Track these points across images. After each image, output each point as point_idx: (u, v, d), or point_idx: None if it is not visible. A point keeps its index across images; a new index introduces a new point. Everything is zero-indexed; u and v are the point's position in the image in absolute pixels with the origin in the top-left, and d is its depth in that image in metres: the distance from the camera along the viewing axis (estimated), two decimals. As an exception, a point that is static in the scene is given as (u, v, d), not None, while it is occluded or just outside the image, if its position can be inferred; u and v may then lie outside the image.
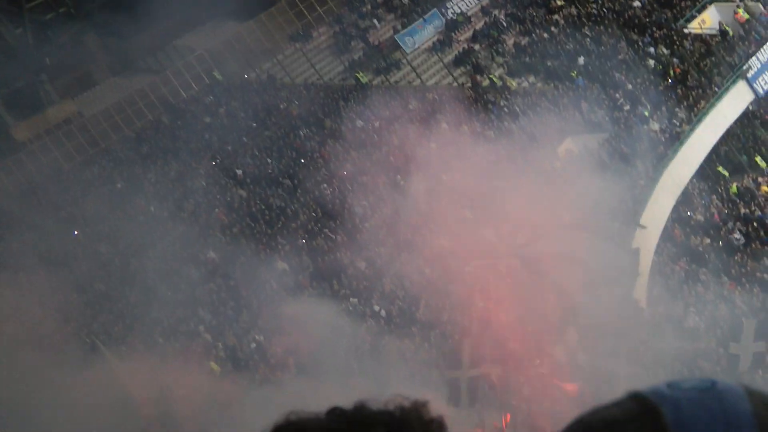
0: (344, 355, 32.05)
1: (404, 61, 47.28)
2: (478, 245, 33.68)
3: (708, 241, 35.39)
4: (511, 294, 32.94)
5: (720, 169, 38.98)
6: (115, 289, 37.31)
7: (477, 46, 47.06)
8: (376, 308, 34.23)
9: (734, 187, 37.87)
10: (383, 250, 35.94)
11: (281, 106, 46.48)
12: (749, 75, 39.88)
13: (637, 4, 45.95)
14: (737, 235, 35.27)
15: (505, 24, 47.74)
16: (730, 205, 37.12)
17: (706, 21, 44.10)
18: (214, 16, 51.81)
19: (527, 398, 29.27)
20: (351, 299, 34.55)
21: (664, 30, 44.15)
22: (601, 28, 44.74)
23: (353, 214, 37.47)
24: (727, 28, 43.50)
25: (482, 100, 43.11)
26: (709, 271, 33.89)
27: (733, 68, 40.90)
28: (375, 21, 50.74)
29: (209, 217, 39.94)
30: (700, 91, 41.03)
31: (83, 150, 46.42)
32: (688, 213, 36.90)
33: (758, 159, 39.36)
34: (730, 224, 35.95)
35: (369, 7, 51.44)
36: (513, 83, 44.27)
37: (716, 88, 40.46)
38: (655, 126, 39.74)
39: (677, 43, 43.34)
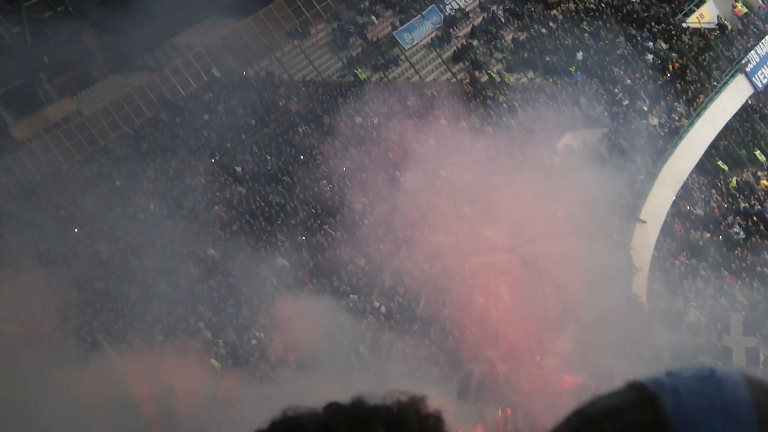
0: (344, 351, 32.07)
1: (403, 57, 47.27)
2: (477, 241, 33.71)
3: (708, 235, 35.41)
4: (511, 290, 32.97)
5: (719, 163, 39.00)
6: (115, 287, 37.32)
7: (475, 42, 47.05)
8: (376, 304, 34.25)
9: (734, 181, 37.89)
10: (383, 247, 35.95)
11: (280, 103, 46.47)
12: (748, 69, 39.87)
13: (635, -2, 45.99)
14: (737, 230, 35.28)
15: (503, 19, 47.73)
16: (729, 199, 37.13)
17: (705, 15, 44.09)
18: (212, 13, 51.82)
19: (528, 394, 29.29)
20: (351, 296, 34.57)
21: (663, 24, 44.13)
22: (600, 23, 44.72)
23: (352, 211, 37.47)
24: (725, 22, 43.50)
25: (481, 96, 43.09)
26: (709, 266, 33.90)
27: (731, 62, 40.90)
28: (373, 17, 50.72)
29: (209, 215, 39.95)
30: (699, 85, 41.03)
31: (82, 148, 46.41)
32: (688, 207, 36.92)
33: (757, 153, 39.38)
34: (730, 218, 35.96)
35: (367, 3, 51.41)
36: (511, 79, 44.26)
37: (715, 83, 40.47)
38: (654, 121, 39.74)
39: (676, 37, 43.32)
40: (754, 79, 39.95)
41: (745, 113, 40.41)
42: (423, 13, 48.62)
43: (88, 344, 34.57)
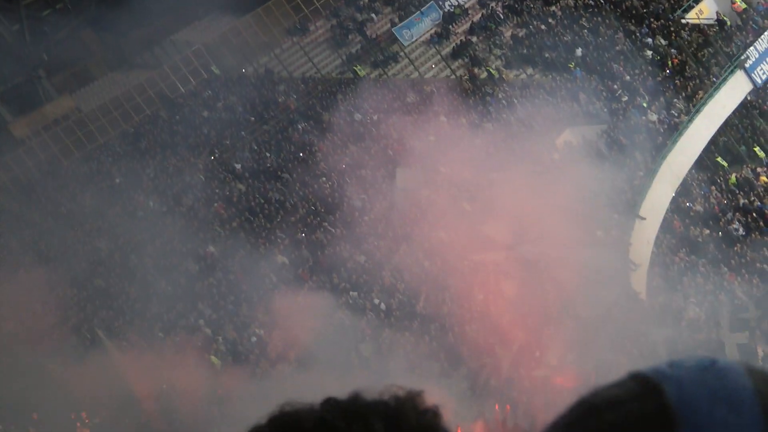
0: (344, 348, 32.08)
1: (402, 54, 47.25)
2: (477, 238, 33.73)
3: (707, 232, 35.40)
4: (511, 287, 32.98)
5: (719, 159, 38.99)
6: (115, 285, 37.32)
7: (474, 39, 47.04)
8: (376, 301, 34.25)
9: (733, 177, 37.89)
10: (383, 244, 35.96)
11: (279, 100, 46.46)
12: (747, 65, 39.86)
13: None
14: (736, 226, 35.28)
15: (502, 16, 47.71)
16: (729, 195, 37.13)
17: (704, 11, 44.08)
18: (211, 10, 51.81)
19: (528, 390, 29.32)
20: (351, 292, 34.57)
21: (662, 21, 44.12)
22: (599, 19, 44.71)
23: (352, 208, 37.46)
24: (724, 17, 43.48)
25: (480, 93, 43.08)
26: (708, 262, 33.90)
27: (731, 58, 40.89)
28: (372, 14, 50.70)
29: (208, 212, 39.95)
30: (698, 81, 41.03)
31: (81, 146, 46.39)
32: (687, 204, 36.91)
33: (757, 149, 39.37)
34: (729, 215, 35.96)
35: (366, 0, 51.39)
36: (510, 75, 44.25)
37: (714, 79, 40.46)
38: (654, 117, 39.73)
39: (675, 33, 43.31)
40: (753, 75, 39.95)
41: (744, 109, 40.41)
42: (422, 9, 48.61)
43: (88, 342, 34.59)
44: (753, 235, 34.83)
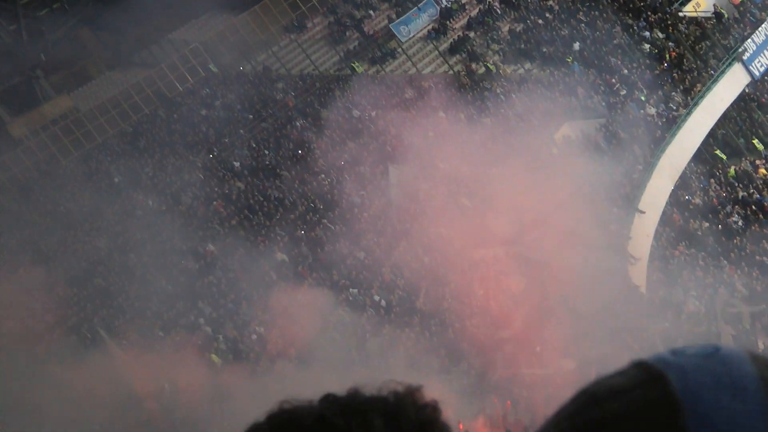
0: (344, 345, 32.10)
1: (399, 50, 47.22)
2: (476, 233, 33.73)
3: (706, 225, 35.41)
4: (510, 282, 32.99)
5: (717, 152, 38.99)
6: (115, 284, 37.30)
7: (472, 34, 47.01)
8: (376, 298, 34.25)
9: (732, 170, 37.89)
10: (382, 240, 35.97)
11: (277, 98, 46.43)
12: (745, 57, 39.86)
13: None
14: (735, 219, 35.28)
15: (499, 11, 47.67)
16: (728, 188, 37.13)
17: (701, 4, 44.06)
18: (208, 8, 51.76)
19: (528, 385, 29.33)
20: (351, 289, 34.58)
21: (659, 14, 44.11)
22: (596, 13, 44.69)
23: (351, 204, 37.46)
24: (721, 10, 43.47)
25: (478, 88, 43.06)
26: (708, 255, 33.90)
27: (728, 51, 40.89)
28: (369, 10, 50.66)
29: (207, 210, 39.93)
30: (696, 74, 41.03)
31: (80, 145, 46.35)
32: (687, 197, 36.91)
33: (755, 142, 39.38)
34: (729, 208, 35.96)
35: (363, -4, 51.40)
36: (508, 70, 44.23)
37: (712, 72, 40.46)
38: (652, 110, 39.72)
39: (672, 26, 43.30)
40: (751, 67, 39.94)
41: (742, 102, 40.41)
42: (419, 5, 48.56)
43: (88, 341, 34.59)
44: (752, 227, 34.83)
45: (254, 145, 43.58)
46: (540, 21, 45.72)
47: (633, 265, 33.95)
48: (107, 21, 50.50)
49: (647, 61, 41.85)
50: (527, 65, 44.15)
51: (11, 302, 35.09)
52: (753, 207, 35.54)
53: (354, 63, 47.08)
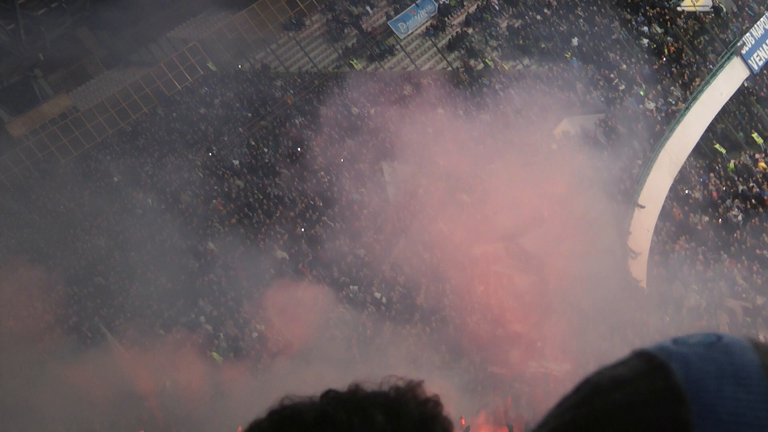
0: (345, 342, 32.11)
1: (398, 47, 47.22)
2: (476, 229, 33.73)
3: (706, 219, 35.38)
4: (511, 278, 33.00)
5: (717, 146, 38.97)
6: (115, 283, 37.33)
7: (470, 30, 47.00)
8: (377, 295, 34.26)
9: (731, 164, 37.85)
10: (382, 237, 35.97)
11: (276, 96, 46.43)
12: (743, 51, 39.79)
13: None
14: (735, 213, 35.27)
15: (497, 7, 47.66)
16: (727, 182, 37.10)
17: (699, -2, 44.06)
18: (206, 6, 51.76)
19: (530, 381, 29.34)
20: (351, 286, 34.58)
21: (658, 8, 44.07)
22: (594, 8, 44.66)
23: (351, 201, 37.46)
24: (720, 4, 43.44)
25: (477, 84, 43.06)
26: (708, 250, 33.89)
27: (727, 45, 40.84)
28: (367, 7, 50.65)
29: (207, 208, 39.93)
30: (695, 68, 41.01)
31: (79, 144, 46.38)
32: (686, 191, 36.89)
33: (755, 135, 39.35)
34: (728, 202, 35.94)
35: (361, -7, 51.39)
36: (507, 66, 44.21)
37: (711, 66, 40.41)
38: (651, 105, 39.70)
39: (671, 21, 43.27)
40: (749, 61, 39.88)
41: (741, 96, 40.37)
42: (417, 2, 48.54)
43: (89, 340, 34.60)
44: (752, 221, 34.82)
45: (253, 143, 43.59)
46: (538, 17, 45.70)
47: (633, 259, 33.94)
48: (105, 20, 50.51)
49: (646, 55, 41.83)
50: (526, 61, 44.14)
51: (11, 301, 35.12)
52: (753, 201, 35.51)
53: (352, 60, 47.08)
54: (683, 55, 41.68)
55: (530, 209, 33.64)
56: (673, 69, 41.16)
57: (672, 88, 40.34)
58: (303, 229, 37.68)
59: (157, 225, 38.80)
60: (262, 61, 49.11)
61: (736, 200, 35.93)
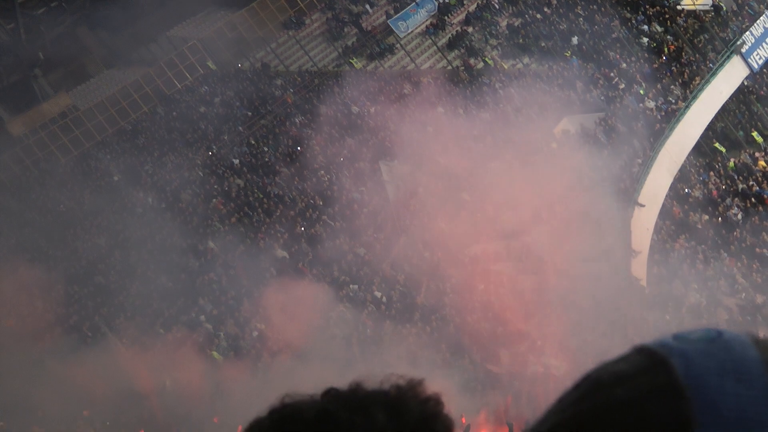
0: (346, 341, 32.10)
1: (398, 45, 47.21)
2: (476, 228, 33.73)
3: (706, 217, 35.40)
4: (511, 276, 32.99)
5: (717, 145, 38.97)
6: (116, 282, 37.30)
7: (470, 29, 46.99)
8: (377, 294, 34.25)
9: (731, 162, 37.86)
10: (382, 236, 35.97)
11: (276, 94, 46.41)
12: (743, 50, 39.80)
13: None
14: (735, 211, 35.27)
15: (497, 5, 47.65)
16: (727, 181, 37.11)
17: (699, -3, 44.06)
18: (206, 5, 51.74)
19: (529, 379, 29.34)
20: (351, 285, 34.57)
21: (658, 7, 44.07)
22: (594, 7, 44.66)
23: (351, 200, 37.45)
24: (720, 3, 43.44)
25: (477, 83, 43.05)
26: (708, 248, 33.90)
27: (727, 44, 40.84)
28: (367, 6, 50.62)
29: (207, 207, 39.91)
30: (695, 67, 41.01)
31: (79, 143, 46.35)
32: (686, 190, 36.90)
33: (755, 134, 39.36)
34: (728, 200, 35.95)
35: (361, -8, 51.37)
36: (507, 65, 44.21)
37: (711, 64, 40.42)
38: (651, 104, 39.70)
39: (671, 20, 43.27)
40: (749, 60, 39.89)
41: (741, 94, 40.38)
42: (417, 0, 48.53)
43: (89, 338, 34.59)
44: (752, 219, 34.83)
45: (253, 142, 43.58)
46: (538, 15, 45.70)
47: (633, 258, 33.94)
48: (105, 19, 50.49)
49: (646, 54, 41.83)
50: (525, 60, 44.13)
51: (12, 300, 35.11)
52: (752, 199, 35.53)
53: (352, 59, 47.06)
54: (683, 53, 41.67)
55: (530, 208, 33.65)
56: (673, 68, 41.16)
57: (672, 86, 40.35)
58: (303, 228, 37.66)
59: (157, 224, 38.78)
60: (262, 60, 49.10)
61: (736, 199, 35.95)
